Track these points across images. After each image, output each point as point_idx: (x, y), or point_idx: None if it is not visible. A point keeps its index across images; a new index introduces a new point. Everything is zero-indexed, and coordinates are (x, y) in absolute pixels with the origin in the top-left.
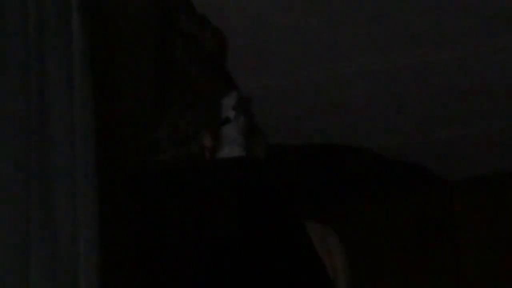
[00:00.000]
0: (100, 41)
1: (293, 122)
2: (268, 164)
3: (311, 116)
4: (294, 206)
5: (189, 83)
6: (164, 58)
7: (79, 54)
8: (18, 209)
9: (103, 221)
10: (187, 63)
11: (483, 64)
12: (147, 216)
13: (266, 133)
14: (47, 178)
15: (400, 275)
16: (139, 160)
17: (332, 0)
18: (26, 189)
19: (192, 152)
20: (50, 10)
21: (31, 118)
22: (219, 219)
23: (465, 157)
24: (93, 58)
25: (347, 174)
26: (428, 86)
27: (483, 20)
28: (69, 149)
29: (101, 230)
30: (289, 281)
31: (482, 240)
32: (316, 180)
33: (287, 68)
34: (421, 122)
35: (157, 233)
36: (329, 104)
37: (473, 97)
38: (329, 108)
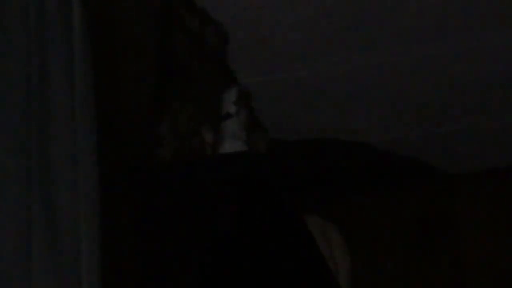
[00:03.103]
0: (101, 36)
1: (293, 117)
2: (269, 159)
3: (312, 110)
4: (295, 201)
5: (190, 78)
6: (164, 52)
7: (80, 48)
8: (19, 204)
9: (104, 215)
10: (188, 58)
11: (484, 58)
12: (148, 210)
13: (267, 128)
14: (49, 172)
15: (401, 269)
16: (140, 155)
17: None
18: (27, 184)
19: (193, 147)
20: (50, 5)
21: (32, 112)
22: (220, 214)
23: (466, 151)
24: (93, 52)
25: (348, 168)
26: (429, 80)
27: (484, 14)
28: (70, 144)
29: (102, 225)
30: (290, 275)
31: (483, 234)
32: (317, 175)
33: (288, 63)
34: (421, 116)
35: (158, 228)
36: (330, 98)
37: (475, 91)
38: (330, 103)
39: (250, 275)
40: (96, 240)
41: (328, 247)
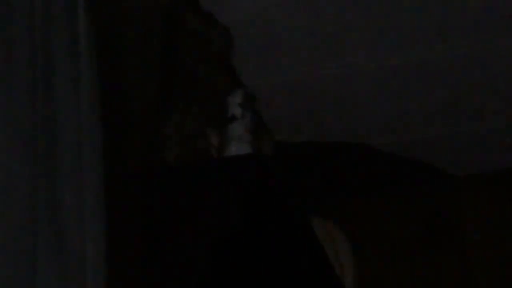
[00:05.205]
0: (106, 38)
1: (298, 120)
2: (275, 162)
3: (317, 113)
4: (301, 203)
5: (195, 81)
6: (170, 56)
7: (85, 50)
8: (25, 207)
9: (109, 218)
10: (194, 61)
11: (489, 60)
12: (153, 213)
13: (272, 130)
14: (54, 176)
15: (406, 272)
16: (145, 158)
17: None
18: (33, 187)
19: (198, 149)
20: (56, 9)
21: (37, 116)
22: (226, 217)
23: (471, 152)
24: (99, 56)
25: (353, 171)
26: (433, 81)
27: (485, 17)
28: (76, 147)
29: (108, 228)
30: (296, 277)
31: (488, 236)
32: (322, 177)
33: (293, 66)
34: (426, 118)
35: (163, 231)
36: (335, 101)
37: (481, 93)
38: (335, 105)
39: (256, 277)
40: (101, 241)
41: (334, 249)
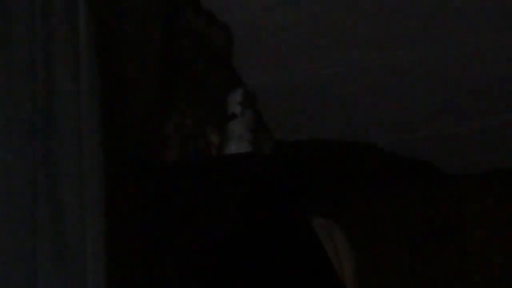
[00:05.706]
0: (107, 37)
1: (298, 118)
2: (275, 160)
3: (317, 111)
4: (301, 202)
5: (195, 79)
6: (170, 54)
7: (86, 48)
8: (25, 203)
9: (109, 218)
10: (194, 59)
11: (489, 60)
12: (154, 212)
13: (272, 128)
14: (54, 172)
15: (406, 271)
16: (146, 156)
17: None
18: (33, 184)
19: (198, 148)
20: (56, 8)
21: (38, 115)
22: (226, 215)
23: (471, 152)
24: (99, 53)
25: (353, 170)
26: (433, 81)
27: (485, 16)
28: (76, 145)
29: (108, 226)
30: (295, 275)
31: (488, 236)
32: (323, 176)
33: (293, 64)
34: (427, 117)
35: (164, 229)
36: (335, 101)
37: (480, 93)
38: (335, 104)
39: (256, 275)
40: (101, 241)
41: (334, 248)
